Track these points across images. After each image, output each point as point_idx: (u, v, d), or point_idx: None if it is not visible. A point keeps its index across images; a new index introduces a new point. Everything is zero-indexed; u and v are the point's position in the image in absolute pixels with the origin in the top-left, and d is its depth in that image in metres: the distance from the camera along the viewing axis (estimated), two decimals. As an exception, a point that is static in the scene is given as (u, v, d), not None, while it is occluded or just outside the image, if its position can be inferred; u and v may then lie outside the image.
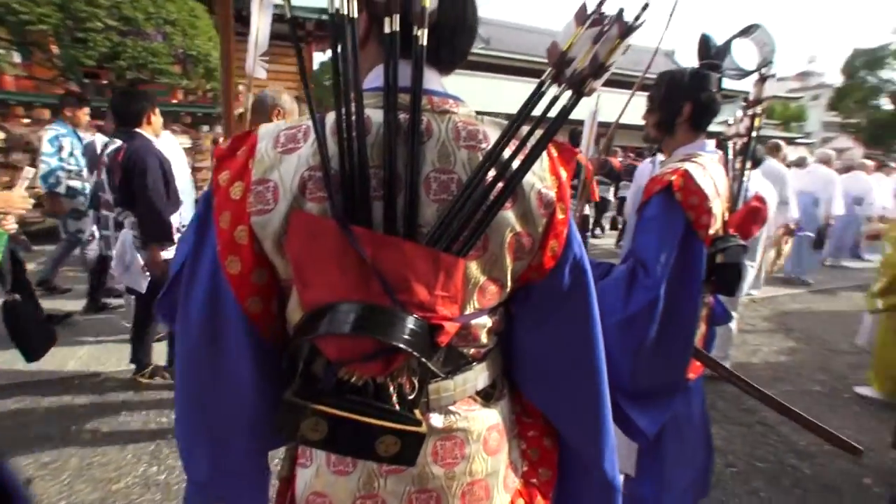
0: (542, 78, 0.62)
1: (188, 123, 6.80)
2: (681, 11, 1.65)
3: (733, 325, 3.25)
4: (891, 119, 24.58)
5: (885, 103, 26.24)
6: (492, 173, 0.61)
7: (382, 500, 0.68)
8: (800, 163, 6.49)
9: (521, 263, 0.70)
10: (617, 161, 7.87)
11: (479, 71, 14.52)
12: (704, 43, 1.50)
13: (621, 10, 0.58)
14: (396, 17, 0.58)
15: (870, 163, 7.31)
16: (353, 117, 0.57)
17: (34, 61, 6.21)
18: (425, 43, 0.60)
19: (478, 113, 0.71)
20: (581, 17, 0.59)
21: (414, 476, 0.69)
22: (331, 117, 0.61)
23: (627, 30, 0.58)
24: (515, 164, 0.61)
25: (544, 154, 0.67)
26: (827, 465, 2.30)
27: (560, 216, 0.70)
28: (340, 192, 0.59)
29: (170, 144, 3.18)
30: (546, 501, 0.82)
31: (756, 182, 2.37)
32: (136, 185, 2.49)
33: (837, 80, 29.44)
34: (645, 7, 0.59)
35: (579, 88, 0.61)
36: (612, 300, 1.29)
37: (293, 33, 0.68)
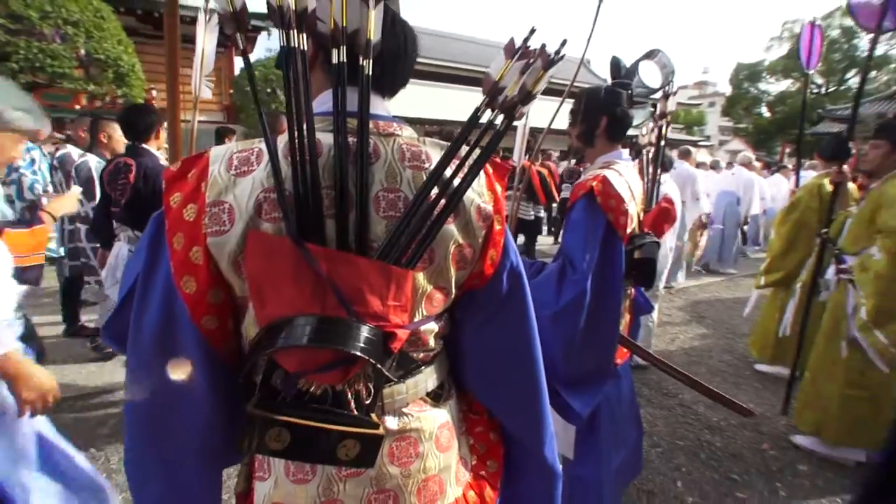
0: (478, 105, 0.68)
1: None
2: (597, 28, 1.83)
3: (654, 316, 3.58)
4: (769, 126, 27.94)
5: (766, 112, 29.77)
6: (435, 191, 0.65)
7: (342, 503, 0.70)
8: (714, 165, 7.30)
9: (463, 272, 0.75)
10: (553, 164, 8.10)
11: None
12: (615, 65, 1.66)
13: (544, 45, 0.64)
14: (343, 49, 0.63)
15: (757, 164, 8.28)
16: (305, 140, 0.61)
17: None
18: (370, 72, 0.64)
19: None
20: (510, 50, 0.65)
21: (372, 478, 0.71)
22: (282, 140, 0.64)
23: (550, 62, 0.64)
24: (456, 181, 0.66)
25: (481, 171, 0.71)
26: (734, 437, 2.60)
27: (497, 227, 0.75)
28: (294, 211, 0.61)
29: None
30: (494, 491, 0.87)
31: (666, 185, 2.64)
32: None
33: (728, 89, 32.87)
34: (564, 43, 0.66)
35: (511, 114, 0.67)
36: (545, 294, 1.40)
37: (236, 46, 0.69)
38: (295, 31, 0.61)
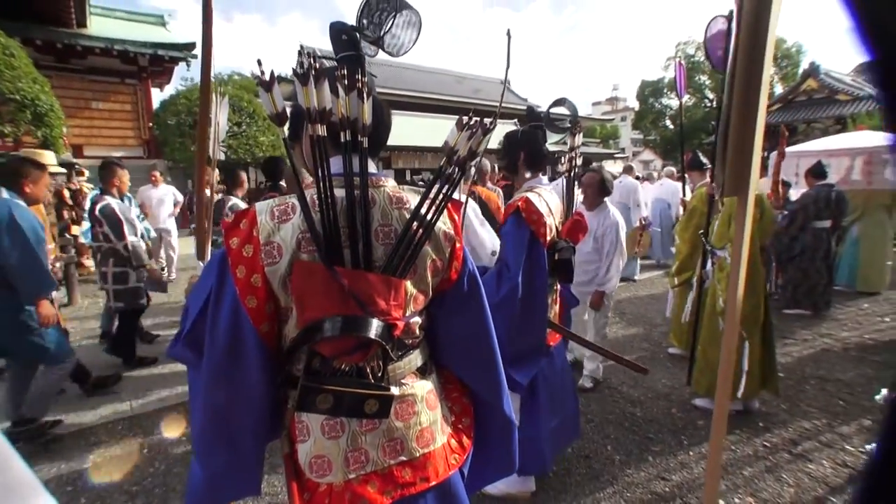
0: (441, 163, 0.94)
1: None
2: (518, 55, 2.22)
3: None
4: (674, 137, 30.94)
5: (669, 124, 32.87)
6: (415, 224, 0.93)
7: (365, 450, 0.96)
8: (648, 177, 8.74)
9: (437, 279, 1.04)
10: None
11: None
12: (531, 111, 2.13)
13: (481, 119, 0.92)
14: (348, 132, 0.90)
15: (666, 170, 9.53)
16: (329, 196, 0.88)
17: None
18: (367, 146, 0.93)
19: None
20: (460, 125, 0.92)
21: (384, 430, 0.98)
22: (308, 194, 0.90)
23: (486, 131, 0.93)
24: (429, 216, 0.94)
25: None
26: (651, 407, 3.16)
27: (458, 245, 1.06)
28: (324, 245, 0.88)
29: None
30: (469, 440, 1.15)
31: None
32: None
33: (636, 104, 35.95)
34: (496, 115, 1.01)
35: (463, 167, 0.94)
36: (489, 289, 1.80)
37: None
38: (319, 123, 0.87)
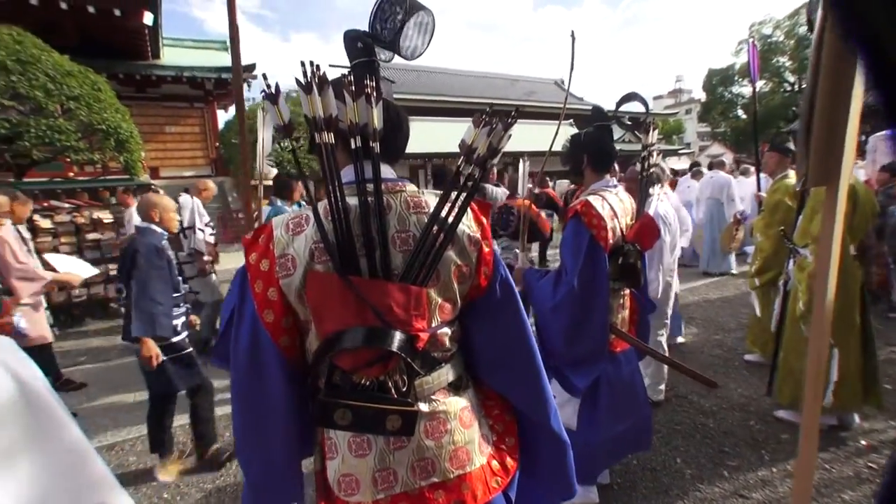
0: (458, 163, 0.92)
1: (105, 197, 6.64)
2: (565, 49, 2.06)
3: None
4: (747, 127, 28.78)
5: (742, 114, 30.65)
6: (435, 228, 0.90)
7: (393, 470, 0.93)
8: (744, 172, 8.18)
9: (464, 286, 0.99)
10: (551, 190, 7.61)
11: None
12: (596, 111, 2.10)
13: (502, 112, 0.90)
14: (358, 138, 0.90)
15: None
16: (339, 204, 0.87)
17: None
18: (378, 150, 0.91)
19: (418, 153, 1.13)
20: (477, 121, 0.90)
21: (413, 449, 0.94)
22: (321, 205, 0.90)
23: (507, 125, 0.90)
24: (450, 220, 0.91)
25: (469, 210, 0.96)
26: (726, 418, 2.98)
27: (486, 249, 1.00)
28: (337, 255, 0.87)
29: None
30: (514, 461, 1.08)
31: (662, 204, 3.03)
32: None
33: (703, 95, 33.94)
34: (517, 109, 0.93)
35: (483, 166, 0.92)
36: (546, 293, 1.85)
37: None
38: (325, 131, 0.88)
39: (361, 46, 1.00)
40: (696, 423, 2.96)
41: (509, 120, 0.90)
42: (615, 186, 2.06)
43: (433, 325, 0.95)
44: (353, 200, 0.90)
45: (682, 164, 18.90)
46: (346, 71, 0.98)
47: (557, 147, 2.29)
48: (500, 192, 5.27)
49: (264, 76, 0.88)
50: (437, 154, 14.89)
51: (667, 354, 3.10)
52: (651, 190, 2.23)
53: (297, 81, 0.85)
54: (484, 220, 1.03)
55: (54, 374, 3.97)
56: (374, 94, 0.89)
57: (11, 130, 5.62)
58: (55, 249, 5.55)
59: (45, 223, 5.59)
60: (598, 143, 2.01)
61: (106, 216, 6.08)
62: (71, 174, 9.07)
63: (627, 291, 2.13)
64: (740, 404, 3.15)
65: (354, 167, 0.90)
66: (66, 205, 6.01)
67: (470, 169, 0.92)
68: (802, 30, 24.44)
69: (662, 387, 3.26)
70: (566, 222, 1.93)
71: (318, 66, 0.86)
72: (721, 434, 2.80)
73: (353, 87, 0.87)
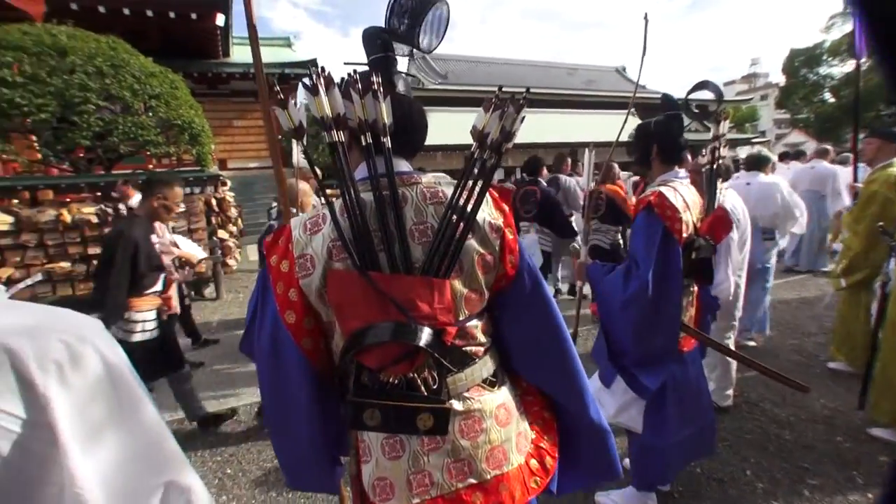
0: (471, 150, 0.91)
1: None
2: (628, 32, 2.06)
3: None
4: (835, 112, 26.16)
5: (829, 97, 27.85)
6: (454, 218, 0.88)
7: (429, 472, 0.90)
8: (843, 161, 7.05)
9: (490, 276, 0.96)
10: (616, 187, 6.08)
11: (441, 106, 15.18)
12: (666, 99, 1.97)
13: (513, 95, 0.86)
14: (368, 134, 0.89)
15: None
16: (354, 200, 0.86)
17: (17, 147, 6.49)
18: (390, 145, 0.90)
19: (440, 146, 1.10)
20: (487, 106, 0.88)
21: (448, 450, 0.91)
22: (337, 203, 0.90)
23: (519, 106, 0.86)
24: (468, 208, 0.88)
25: (488, 197, 0.94)
26: (805, 431, 2.70)
27: (510, 236, 0.97)
28: (355, 251, 0.86)
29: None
30: (553, 460, 1.04)
31: (729, 198, 2.79)
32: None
33: (782, 78, 31.28)
34: (527, 90, 0.89)
35: (498, 151, 0.89)
36: (615, 288, 1.74)
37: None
38: (335, 130, 0.88)
39: (376, 42, 0.99)
40: (768, 433, 2.71)
41: (521, 102, 0.86)
42: (685, 178, 1.93)
43: (461, 317, 0.93)
44: (368, 196, 0.89)
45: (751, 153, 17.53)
46: (361, 68, 0.99)
47: (624, 136, 2.17)
48: (572, 182, 5.15)
49: (275, 82, 0.91)
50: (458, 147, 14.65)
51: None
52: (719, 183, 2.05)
53: (303, 84, 0.86)
54: (505, 207, 1.00)
55: (195, 335, 4.60)
56: (381, 89, 0.88)
57: (104, 128, 6.14)
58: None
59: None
60: (667, 133, 1.89)
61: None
62: (150, 167, 9.81)
63: (696, 288, 2.00)
64: (824, 417, 2.85)
65: (367, 163, 0.89)
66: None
67: (484, 154, 0.90)
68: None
69: (730, 392, 3.01)
70: (635, 214, 1.82)
71: (322, 68, 0.88)
72: (800, 448, 2.55)
73: (360, 84, 0.87)
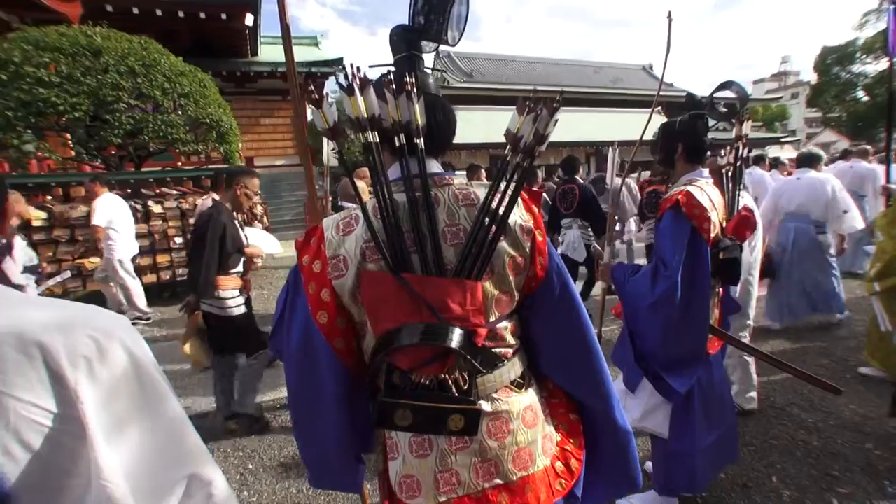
0: (505, 152, 0.91)
1: (207, 185, 7.25)
2: (656, 30, 2.03)
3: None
4: (868, 111, 25.27)
5: (863, 96, 26.92)
6: (486, 220, 0.88)
7: (456, 471, 0.91)
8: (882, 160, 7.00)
9: (520, 278, 0.96)
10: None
11: (466, 104, 15.16)
12: (690, 98, 1.94)
13: (546, 98, 0.86)
14: (402, 135, 0.90)
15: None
16: (388, 202, 0.87)
17: (51, 144, 6.72)
18: (423, 146, 0.91)
19: (465, 145, 1.09)
20: (521, 108, 0.87)
21: (476, 450, 0.92)
22: (370, 203, 0.90)
23: (553, 109, 0.86)
24: (500, 210, 0.89)
25: (519, 199, 0.93)
26: (834, 437, 2.62)
27: (539, 238, 0.97)
28: (388, 252, 0.86)
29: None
30: (579, 462, 1.04)
31: (743, 200, 2.76)
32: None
33: (813, 77, 30.32)
34: (562, 94, 0.88)
35: (531, 154, 0.89)
36: (642, 289, 1.71)
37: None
38: (370, 131, 0.89)
39: (401, 41, 0.99)
40: (795, 438, 2.64)
41: (554, 105, 0.86)
42: (709, 178, 1.90)
43: (491, 319, 0.93)
44: (400, 197, 0.90)
45: (784, 153, 16.99)
46: (387, 69, 0.99)
47: (648, 135, 2.15)
48: (624, 190, 5.17)
49: (308, 81, 0.92)
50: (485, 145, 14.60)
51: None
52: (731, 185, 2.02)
53: (339, 84, 0.86)
54: (535, 209, 1.00)
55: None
56: (415, 90, 0.88)
57: (135, 126, 6.33)
58: (164, 233, 6.17)
59: (157, 208, 6.21)
60: (693, 132, 1.86)
61: (207, 202, 6.64)
62: (179, 164, 10.05)
63: (720, 289, 1.96)
64: (853, 423, 2.77)
65: (400, 164, 0.90)
66: (174, 192, 6.65)
67: (517, 157, 0.89)
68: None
69: (753, 394, 2.94)
70: (661, 214, 1.79)
71: (358, 68, 0.88)
72: (828, 455, 2.47)
73: (394, 85, 0.87)
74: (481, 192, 0.95)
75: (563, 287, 1.01)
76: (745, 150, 2.03)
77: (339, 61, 13.78)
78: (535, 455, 0.97)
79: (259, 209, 8.21)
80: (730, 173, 2.01)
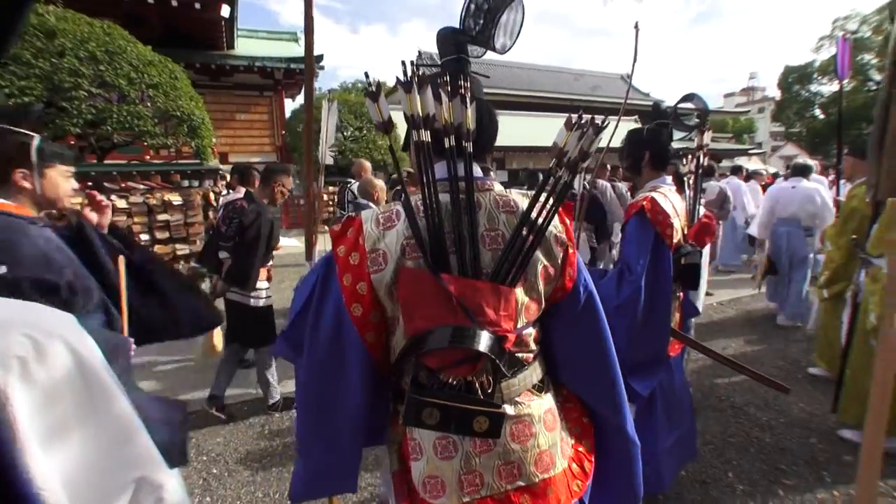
0: (550, 166, 0.92)
1: (177, 181, 7.08)
2: (642, 44, 2.04)
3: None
4: (824, 128, 26.71)
5: (819, 114, 28.42)
6: (524, 230, 0.90)
7: (479, 473, 0.92)
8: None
9: (549, 287, 0.98)
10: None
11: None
12: (656, 107, 2.04)
13: (593, 118, 0.88)
14: (452, 137, 0.90)
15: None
16: (432, 201, 0.88)
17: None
18: (471, 150, 0.91)
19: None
20: (569, 125, 0.89)
21: (500, 453, 0.93)
22: (413, 199, 0.91)
23: (598, 129, 0.88)
24: (540, 221, 0.91)
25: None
26: (784, 434, 2.80)
27: (571, 251, 1.00)
28: (429, 251, 0.87)
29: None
30: (591, 464, 1.07)
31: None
32: None
33: (777, 93, 31.74)
34: (607, 117, 0.91)
35: (574, 169, 0.91)
36: (608, 292, 1.77)
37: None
38: (423, 129, 0.89)
39: (451, 43, 0.99)
40: (750, 436, 2.79)
41: (602, 125, 0.88)
42: (672, 185, 1.99)
43: (519, 325, 0.94)
44: (444, 197, 0.90)
45: (751, 164, 17.73)
46: (435, 69, 1.00)
47: (615, 143, 2.24)
48: (611, 191, 5.29)
49: (366, 74, 0.90)
50: (499, 147, 14.78)
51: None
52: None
53: (398, 80, 0.86)
54: (568, 221, 1.02)
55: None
56: (468, 94, 0.89)
57: (97, 116, 6.07)
58: (129, 229, 5.96)
59: (121, 203, 6.01)
60: (658, 141, 1.95)
61: (175, 198, 6.45)
62: (147, 157, 9.72)
63: (681, 294, 2.06)
64: (801, 420, 2.95)
65: (447, 165, 0.90)
66: (141, 186, 6.44)
67: (561, 172, 0.91)
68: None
69: None
70: (627, 219, 1.87)
71: (418, 66, 0.87)
72: (778, 451, 2.64)
73: (449, 87, 0.87)
74: (520, 200, 0.97)
75: (588, 299, 1.03)
76: (706, 159, 2.14)
77: (319, 58, 13.61)
78: (555, 457, 0.99)
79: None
80: (691, 181, 2.13)
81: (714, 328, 4.81)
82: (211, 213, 7.03)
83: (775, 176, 9.72)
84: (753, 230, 5.32)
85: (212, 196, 7.00)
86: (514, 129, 13.85)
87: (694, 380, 3.50)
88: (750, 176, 7.78)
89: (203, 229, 6.44)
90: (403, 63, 0.86)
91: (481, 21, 0.98)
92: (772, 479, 2.39)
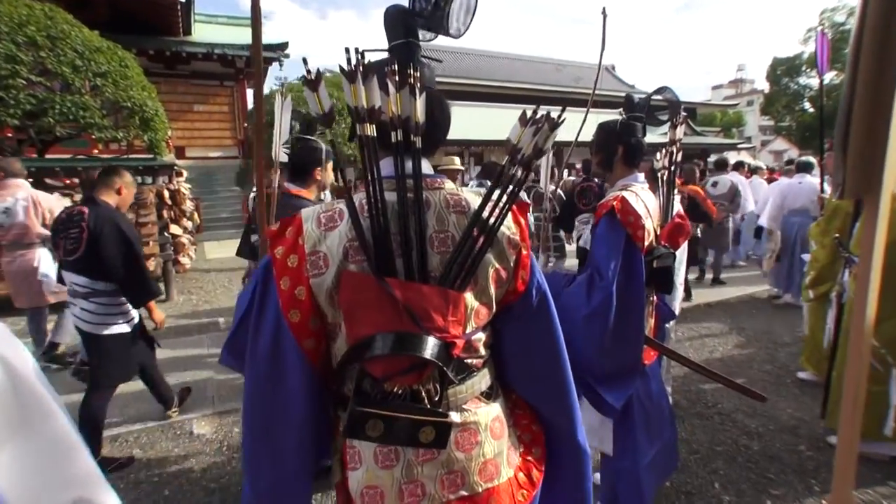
0: (503, 163, 0.92)
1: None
2: (617, 32, 2.08)
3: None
4: (814, 121, 27.51)
5: (809, 107, 29.25)
6: (475, 230, 0.89)
7: (421, 483, 0.92)
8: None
9: (501, 290, 0.98)
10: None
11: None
12: (629, 100, 2.01)
13: (548, 113, 0.87)
14: (399, 131, 0.88)
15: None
16: (376, 199, 0.85)
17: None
18: (420, 145, 0.89)
19: (457, 140, 1.09)
20: (523, 120, 0.88)
21: (443, 461, 0.93)
22: (357, 198, 0.89)
23: (554, 125, 0.87)
24: (492, 221, 0.90)
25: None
26: (772, 441, 2.85)
27: (524, 252, 0.99)
28: (374, 254, 0.86)
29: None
30: (539, 472, 1.07)
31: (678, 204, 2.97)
32: None
33: (766, 85, 32.58)
34: (563, 110, 0.90)
35: (528, 167, 0.91)
36: (578, 300, 1.73)
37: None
38: (368, 123, 0.86)
39: (399, 25, 0.96)
40: (738, 444, 2.84)
41: (557, 120, 0.88)
42: (645, 183, 1.97)
43: (468, 330, 0.94)
44: (390, 196, 0.88)
45: (740, 158, 18.22)
46: (383, 54, 0.96)
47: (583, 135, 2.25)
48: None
49: (304, 60, 0.87)
50: (477, 141, 14.83)
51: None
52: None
53: (341, 69, 0.83)
54: (522, 221, 1.02)
55: None
56: (418, 83, 0.86)
57: (37, 106, 5.84)
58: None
59: (66, 201, 5.82)
60: (633, 136, 1.93)
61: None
62: (95, 152, 9.42)
63: (655, 298, 2.04)
64: (790, 427, 3.02)
65: (394, 162, 0.88)
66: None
67: (514, 169, 0.90)
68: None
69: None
70: (597, 221, 1.83)
71: (363, 53, 0.85)
72: (766, 459, 2.69)
73: (397, 76, 0.85)
74: (472, 199, 0.95)
75: (541, 302, 1.03)
76: (679, 155, 2.15)
77: (284, 45, 13.40)
78: (500, 466, 0.99)
79: (189, 205, 7.83)
80: (664, 177, 2.11)
81: (703, 333, 4.91)
82: (165, 212, 6.86)
83: (771, 170, 10.51)
84: (764, 221, 6.03)
85: (166, 194, 6.83)
86: (494, 122, 13.90)
87: (680, 386, 3.56)
88: (753, 171, 8.51)
89: (157, 229, 6.27)
90: (347, 50, 0.83)
91: (431, 2, 0.95)
92: (759, 488, 2.43)
